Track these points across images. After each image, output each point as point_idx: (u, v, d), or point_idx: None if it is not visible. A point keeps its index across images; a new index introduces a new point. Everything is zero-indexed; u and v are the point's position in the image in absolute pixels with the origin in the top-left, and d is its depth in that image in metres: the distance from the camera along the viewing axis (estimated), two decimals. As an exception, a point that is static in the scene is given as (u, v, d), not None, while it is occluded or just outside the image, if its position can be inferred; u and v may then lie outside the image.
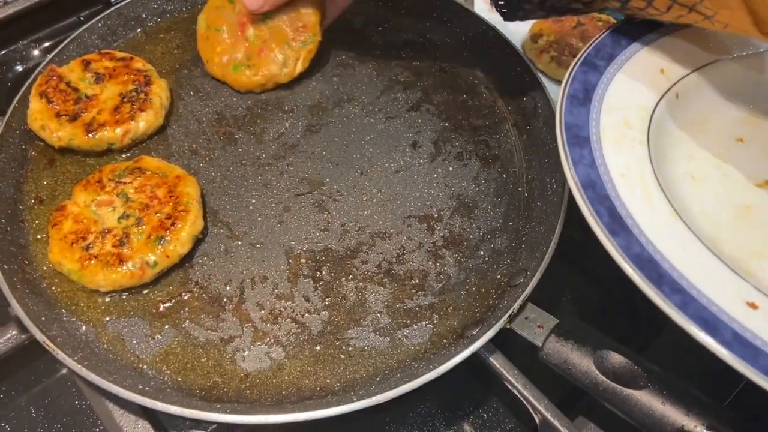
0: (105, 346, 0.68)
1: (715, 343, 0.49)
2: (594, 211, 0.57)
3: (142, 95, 0.82)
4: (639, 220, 0.57)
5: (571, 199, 0.73)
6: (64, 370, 0.78)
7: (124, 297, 0.71)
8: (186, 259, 0.73)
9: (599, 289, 0.87)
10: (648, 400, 0.58)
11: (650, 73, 0.71)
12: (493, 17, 1.04)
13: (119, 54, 0.87)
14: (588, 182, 0.58)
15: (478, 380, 0.78)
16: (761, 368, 0.47)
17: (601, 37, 0.72)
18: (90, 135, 0.79)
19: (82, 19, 1.06)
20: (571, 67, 0.69)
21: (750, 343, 0.49)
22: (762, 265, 0.60)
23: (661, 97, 0.69)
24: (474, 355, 0.64)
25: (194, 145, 0.83)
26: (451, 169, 0.82)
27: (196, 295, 0.71)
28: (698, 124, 0.72)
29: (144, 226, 0.71)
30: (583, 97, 0.66)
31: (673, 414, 0.57)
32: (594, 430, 0.67)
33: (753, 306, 0.52)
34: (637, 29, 0.73)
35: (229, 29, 0.89)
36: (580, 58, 0.69)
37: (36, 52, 1.04)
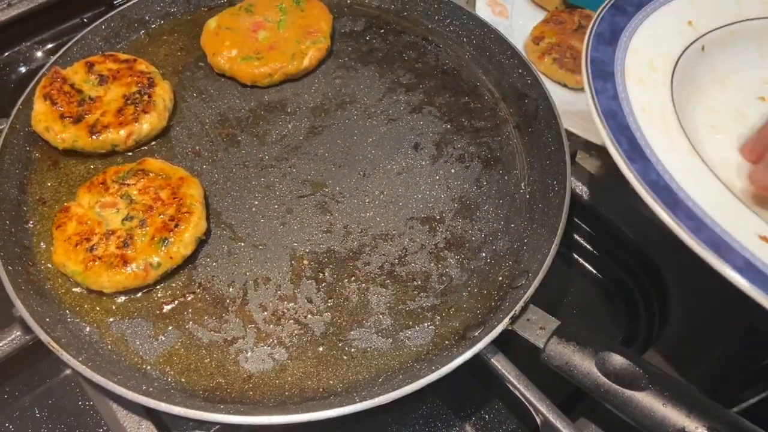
0: (109, 347, 0.68)
1: (727, 268, 0.50)
2: (615, 139, 0.59)
3: (145, 97, 0.82)
4: (657, 150, 0.59)
5: (573, 201, 0.74)
6: (68, 371, 0.79)
7: (127, 298, 0.71)
8: (189, 261, 0.73)
9: (601, 291, 0.87)
10: (649, 401, 0.58)
11: (678, 23, 0.72)
12: (494, 19, 1.04)
13: (123, 56, 0.88)
14: (610, 112, 0.61)
15: (480, 381, 0.78)
16: None
17: None
18: (94, 137, 0.79)
19: (85, 21, 1.07)
20: (600, 9, 0.70)
21: (761, 270, 0.51)
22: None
23: (687, 47, 0.71)
24: (476, 357, 0.64)
25: (197, 147, 0.84)
26: (453, 171, 0.82)
27: (199, 296, 0.72)
28: (721, 80, 0.74)
29: (147, 228, 0.71)
30: (610, 37, 0.68)
31: (674, 415, 0.57)
32: (595, 431, 0.67)
33: (765, 239, 0.54)
34: None
35: (241, 29, 0.91)
36: (609, 2, 0.71)
37: (39, 54, 1.05)
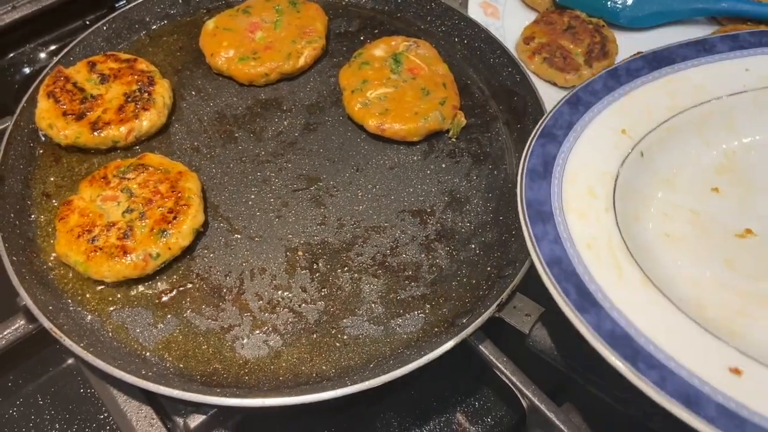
0: (110, 334, 0.70)
1: (698, 421, 0.46)
2: (561, 289, 0.54)
3: (145, 95, 0.85)
4: (610, 293, 0.54)
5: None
6: (71, 360, 0.81)
7: (127, 287, 0.73)
8: (187, 252, 0.76)
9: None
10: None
11: (612, 134, 0.68)
12: (486, 20, 1.07)
13: (124, 56, 0.90)
14: (553, 259, 0.56)
15: (470, 371, 0.80)
16: None
17: (558, 106, 0.69)
18: (95, 133, 0.82)
19: (88, 23, 1.09)
20: (529, 141, 0.66)
21: (735, 414, 0.47)
22: (746, 323, 0.57)
23: (625, 159, 0.67)
24: (465, 344, 0.67)
25: (196, 143, 0.86)
26: (443, 165, 0.84)
27: (197, 286, 0.74)
28: (668, 181, 0.68)
29: (147, 220, 0.74)
30: (543, 171, 0.63)
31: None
32: (579, 414, 0.69)
33: (736, 372, 0.50)
34: (594, 94, 0.70)
35: (239, 30, 0.94)
36: (537, 130, 0.67)
37: (43, 55, 1.07)
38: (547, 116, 0.68)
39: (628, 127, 0.68)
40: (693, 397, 0.47)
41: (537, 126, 0.67)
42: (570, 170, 0.64)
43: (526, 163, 0.64)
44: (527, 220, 0.59)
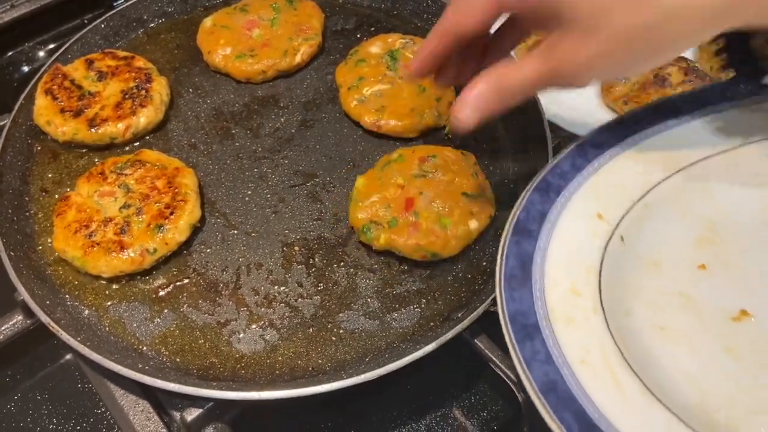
0: (107, 328, 0.71)
1: None
2: (560, 419, 0.49)
3: (143, 92, 0.85)
4: (612, 417, 0.49)
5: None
6: (68, 356, 0.81)
7: (125, 282, 0.74)
8: (184, 247, 0.76)
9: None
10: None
11: (588, 222, 0.63)
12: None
13: (121, 53, 0.91)
14: (548, 384, 0.51)
15: (466, 366, 0.81)
16: None
17: (528, 195, 0.63)
18: (93, 130, 0.82)
19: (86, 21, 1.10)
20: (503, 239, 0.60)
21: None
22: (763, 421, 0.52)
23: (606, 247, 0.61)
24: (460, 338, 0.67)
25: (193, 140, 0.87)
26: (439, 161, 0.85)
27: (194, 281, 0.74)
28: (652, 263, 0.62)
29: (144, 215, 0.74)
30: (522, 275, 0.58)
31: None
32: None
33: None
34: (563, 176, 0.65)
35: (236, 28, 0.94)
36: (510, 225, 0.61)
37: (41, 54, 1.08)
38: (518, 207, 0.63)
39: (603, 210, 0.63)
40: None
41: (509, 220, 0.62)
42: (550, 270, 0.59)
43: (503, 268, 0.58)
44: (513, 339, 0.54)
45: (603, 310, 0.57)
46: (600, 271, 0.59)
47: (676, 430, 0.49)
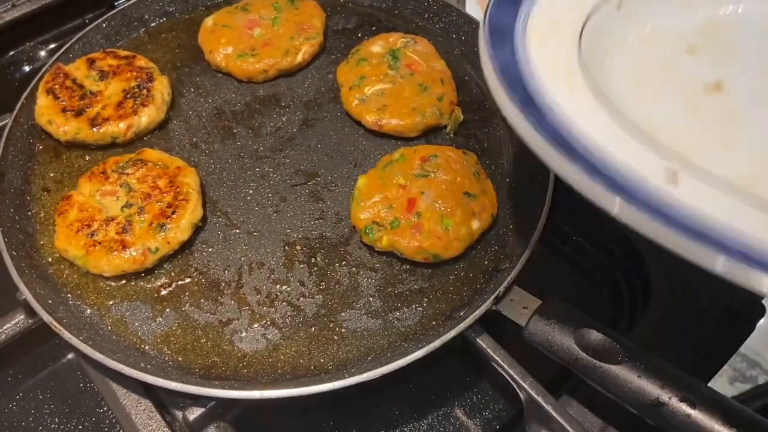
0: (109, 327, 0.71)
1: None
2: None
3: (144, 91, 0.85)
4: (554, 97, 0.52)
5: (556, 190, 0.77)
6: (70, 355, 0.81)
7: (126, 282, 0.74)
8: (186, 246, 0.76)
9: (584, 277, 0.89)
10: (625, 374, 0.61)
11: None
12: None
13: (123, 52, 0.91)
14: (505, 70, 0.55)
15: (468, 366, 0.81)
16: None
17: None
18: (95, 129, 0.82)
19: (87, 21, 1.09)
20: None
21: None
22: (695, 157, 0.52)
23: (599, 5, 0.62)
24: (463, 337, 0.67)
25: (194, 139, 0.87)
26: (441, 161, 0.85)
27: (196, 280, 0.74)
28: (644, 32, 0.63)
29: (146, 215, 0.74)
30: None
31: (648, 387, 0.59)
32: (577, 407, 0.70)
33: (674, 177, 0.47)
34: None
35: (237, 27, 0.94)
36: None
37: (43, 54, 1.08)
38: None
39: None
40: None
41: None
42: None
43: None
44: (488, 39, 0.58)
45: (580, 49, 0.58)
46: (588, 16, 0.60)
47: (616, 132, 0.50)
